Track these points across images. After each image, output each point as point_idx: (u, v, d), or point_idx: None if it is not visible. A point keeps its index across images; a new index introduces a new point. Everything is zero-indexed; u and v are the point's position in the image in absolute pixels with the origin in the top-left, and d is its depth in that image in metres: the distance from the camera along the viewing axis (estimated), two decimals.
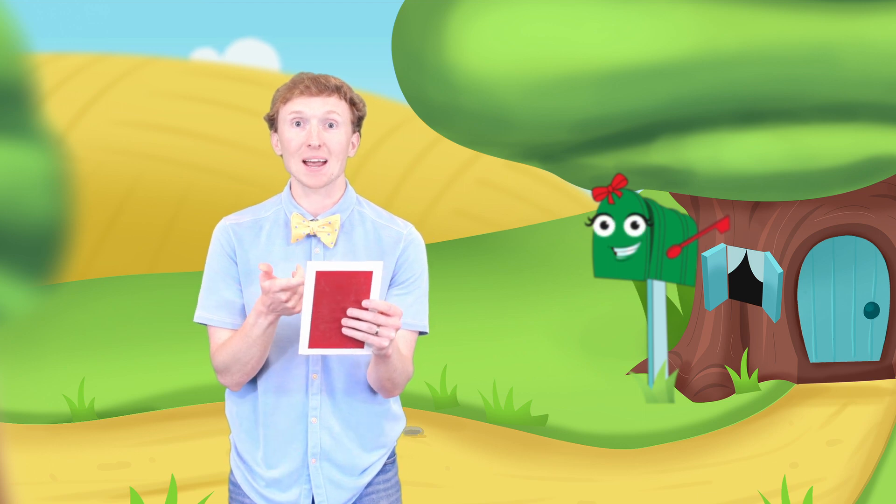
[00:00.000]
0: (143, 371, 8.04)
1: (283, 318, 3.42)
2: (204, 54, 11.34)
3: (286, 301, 3.30)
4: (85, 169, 10.33)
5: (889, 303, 7.82)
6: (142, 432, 6.92)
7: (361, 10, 11.03)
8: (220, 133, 10.94)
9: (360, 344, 3.27)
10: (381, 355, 3.37)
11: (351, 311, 3.23)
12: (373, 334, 3.26)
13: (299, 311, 3.28)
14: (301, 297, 3.28)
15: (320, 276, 3.21)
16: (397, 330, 3.30)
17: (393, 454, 3.64)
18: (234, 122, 10.91)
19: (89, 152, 10.60)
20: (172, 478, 5.97)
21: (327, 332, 3.25)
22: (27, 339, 8.36)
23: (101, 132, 10.82)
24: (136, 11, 11.22)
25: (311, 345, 3.25)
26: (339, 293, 3.23)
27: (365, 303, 3.24)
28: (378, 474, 3.60)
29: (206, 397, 7.45)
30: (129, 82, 11.08)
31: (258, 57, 11.31)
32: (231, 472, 3.63)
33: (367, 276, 3.22)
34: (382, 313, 3.26)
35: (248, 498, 3.58)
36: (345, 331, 3.25)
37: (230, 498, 3.65)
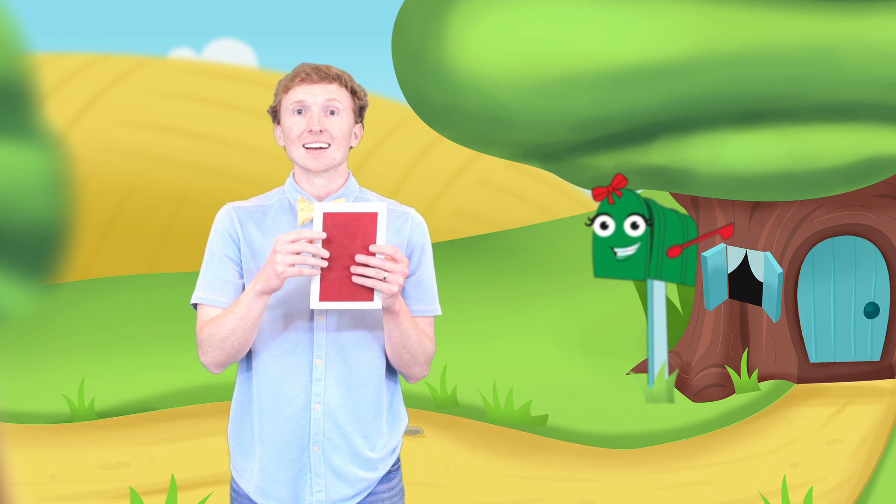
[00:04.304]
0: (143, 371, 8.04)
1: (286, 298, 3.42)
2: (181, 54, 11.35)
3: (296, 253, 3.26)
4: (85, 169, 10.33)
5: (889, 303, 7.82)
6: (142, 432, 6.92)
7: (361, 10, 11.02)
8: (220, 133, 10.95)
9: (369, 296, 3.28)
10: (392, 311, 3.37)
11: (359, 258, 3.26)
12: (381, 280, 3.27)
13: (296, 274, 3.27)
14: (303, 261, 3.26)
15: (327, 217, 3.25)
16: (405, 276, 3.31)
17: (398, 461, 3.63)
18: (235, 122, 10.91)
19: (89, 152, 10.60)
20: (172, 478, 5.97)
21: (336, 282, 3.27)
22: (27, 339, 8.36)
23: (101, 132, 10.81)
24: (136, 11, 11.22)
25: (322, 297, 3.27)
26: (346, 237, 3.26)
27: (371, 247, 3.26)
28: (382, 482, 3.58)
29: (206, 397, 7.45)
30: (129, 82, 11.08)
31: (235, 56, 11.32)
32: (232, 477, 3.60)
33: (372, 217, 3.25)
34: (389, 258, 3.27)
35: (250, 499, 3.56)
36: (354, 278, 3.26)
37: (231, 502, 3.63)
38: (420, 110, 7.52)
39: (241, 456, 3.57)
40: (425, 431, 6.79)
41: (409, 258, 3.52)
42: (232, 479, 3.61)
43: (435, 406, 7.48)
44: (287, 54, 10.86)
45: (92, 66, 11.15)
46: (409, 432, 6.68)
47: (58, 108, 10.55)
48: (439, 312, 3.59)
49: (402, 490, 3.64)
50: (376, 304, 3.29)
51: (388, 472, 3.59)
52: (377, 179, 10.85)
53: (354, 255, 3.26)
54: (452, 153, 10.51)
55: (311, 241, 3.27)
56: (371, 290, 3.28)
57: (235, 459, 3.58)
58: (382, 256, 3.26)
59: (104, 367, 8.11)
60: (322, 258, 3.26)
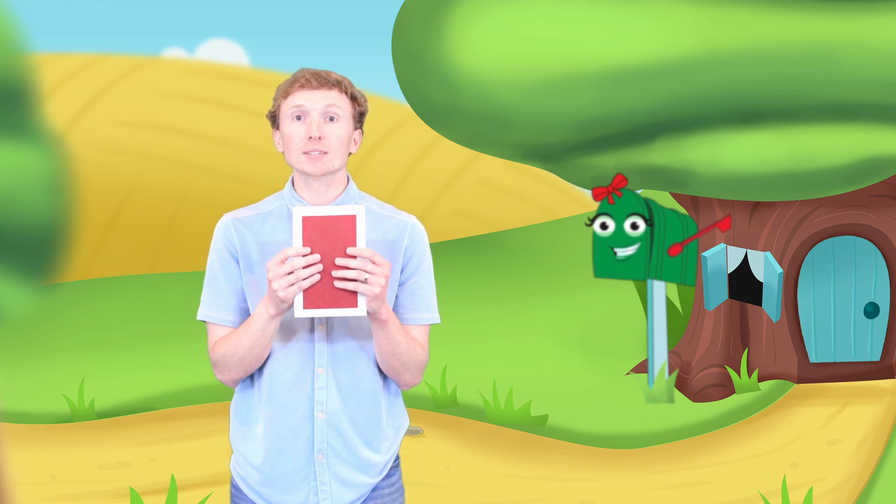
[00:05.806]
0: (143, 371, 8.04)
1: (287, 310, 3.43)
2: (174, 54, 11.36)
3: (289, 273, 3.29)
4: (85, 169, 10.33)
5: (889, 303, 7.82)
6: (142, 432, 6.92)
7: (360, 10, 11.02)
8: (221, 133, 10.94)
9: (353, 301, 3.30)
10: (378, 318, 3.37)
11: (339, 261, 3.27)
12: (362, 281, 3.28)
13: (297, 291, 3.30)
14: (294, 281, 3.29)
15: (306, 221, 3.26)
16: (387, 278, 3.31)
17: (397, 458, 3.63)
18: (235, 122, 10.91)
19: (89, 152, 10.60)
20: (172, 478, 5.97)
21: (320, 289, 3.29)
22: (27, 339, 8.36)
23: (101, 132, 10.82)
24: (133, 11, 11.22)
25: (307, 306, 3.30)
26: (326, 241, 3.27)
27: (350, 250, 3.27)
28: (383, 478, 3.59)
29: (206, 397, 7.45)
30: (128, 82, 11.08)
31: (228, 57, 11.32)
32: (232, 476, 3.61)
33: (351, 220, 3.27)
34: (370, 260, 3.28)
35: (251, 501, 3.56)
36: (336, 283, 3.28)
37: (231, 502, 3.63)
38: (420, 110, 7.52)
39: (244, 459, 3.57)
40: (425, 431, 6.79)
41: (405, 267, 3.52)
42: (232, 479, 3.61)
43: (435, 406, 7.48)
44: (279, 55, 10.86)
45: (92, 66, 11.15)
46: (410, 432, 6.68)
47: (58, 108, 10.55)
48: (436, 321, 3.57)
49: (401, 487, 3.64)
50: (361, 310, 3.31)
51: (390, 469, 3.60)
52: (377, 179, 10.85)
53: (335, 259, 3.28)
54: (452, 153, 10.51)
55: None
56: (355, 295, 3.30)
57: (238, 462, 3.58)
58: (362, 256, 3.28)
59: (104, 367, 8.11)
60: (314, 264, 3.28)
